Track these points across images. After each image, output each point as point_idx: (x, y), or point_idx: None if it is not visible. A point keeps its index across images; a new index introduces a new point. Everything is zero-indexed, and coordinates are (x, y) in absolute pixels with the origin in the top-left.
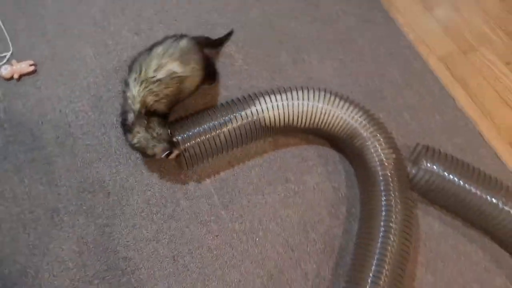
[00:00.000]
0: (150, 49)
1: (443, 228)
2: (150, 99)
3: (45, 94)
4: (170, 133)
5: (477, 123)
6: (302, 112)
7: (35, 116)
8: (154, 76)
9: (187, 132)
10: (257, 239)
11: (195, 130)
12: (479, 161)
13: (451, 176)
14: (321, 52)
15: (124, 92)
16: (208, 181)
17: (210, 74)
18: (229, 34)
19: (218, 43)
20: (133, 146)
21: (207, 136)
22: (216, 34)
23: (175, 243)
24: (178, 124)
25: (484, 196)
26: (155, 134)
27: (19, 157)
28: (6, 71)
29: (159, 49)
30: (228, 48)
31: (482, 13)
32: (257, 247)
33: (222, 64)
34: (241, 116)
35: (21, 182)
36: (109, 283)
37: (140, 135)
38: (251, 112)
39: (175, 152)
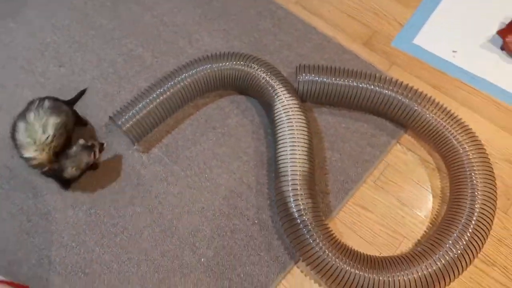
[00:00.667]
0: (18, 119)
1: (335, 118)
2: (54, 151)
3: (5, 135)
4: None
5: (336, 38)
6: (216, 75)
7: (5, 154)
8: (48, 136)
9: (124, 115)
10: (206, 175)
11: (131, 112)
12: (346, 64)
13: (324, 79)
14: (208, 28)
15: (31, 164)
16: (156, 149)
17: (80, 120)
18: (82, 92)
19: (72, 102)
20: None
21: (143, 113)
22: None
23: (147, 200)
24: (117, 111)
25: (355, 84)
26: (73, 154)
27: (3, 187)
28: None
29: (31, 115)
30: (137, 51)
31: None
32: (208, 181)
33: (136, 65)
34: (166, 90)
35: (13, 204)
36: (107, 246)
37: (72, 166)
38: (174, 85)
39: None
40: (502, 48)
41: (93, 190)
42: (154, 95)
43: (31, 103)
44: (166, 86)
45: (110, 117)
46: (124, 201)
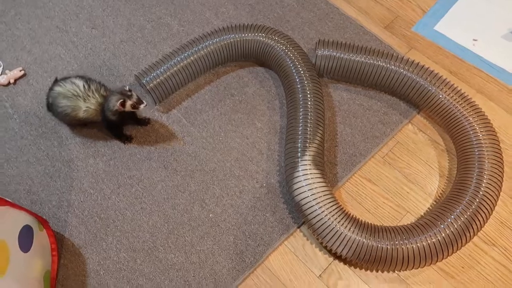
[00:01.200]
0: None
1: (350, 95)
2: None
3: (37, 87)
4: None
5: (358, 19)
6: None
7: (35, 104)
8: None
9: (149, 75)
10: (220, 138)
11: (156, 73)
12: (366, 44)
13: (342, 55)
14: (234, 2)
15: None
16: (175, 111)
17: None
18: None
19: None
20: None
21: (166, 74)
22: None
23: (163, 156)
24: (143, 70)
25: (372, 62)
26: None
27: (32, 134)
28: (3, 79)
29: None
30: (165, 19)
31: None
32: (222, 143)
33: (163, 32)
34: (190, 55)
35: (39, 149)
36: (123, 195)
37: (106, 108)
38: (197, 51)
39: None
40: None
41: (112, 143)
42: (179, 59)
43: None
44: (190, 51)
45: (136, 75)
46: (142, 155)
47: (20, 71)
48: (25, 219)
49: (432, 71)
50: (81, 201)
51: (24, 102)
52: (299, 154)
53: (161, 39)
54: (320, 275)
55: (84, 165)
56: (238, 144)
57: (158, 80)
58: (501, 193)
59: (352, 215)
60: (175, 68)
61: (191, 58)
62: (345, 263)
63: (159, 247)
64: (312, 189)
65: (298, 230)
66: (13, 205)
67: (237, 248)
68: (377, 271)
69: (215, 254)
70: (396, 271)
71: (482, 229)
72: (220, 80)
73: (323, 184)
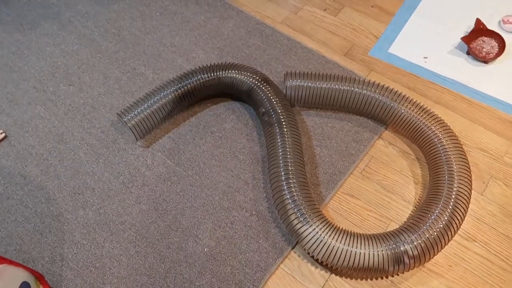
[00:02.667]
0: None
1: (322, 119)
2: None
3: (19, 148)
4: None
5: (319, 50)
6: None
7: (19, 164)
8: None
9: (131, 112)
10: (205, 174)
11: (138, 110)
12: (329, 71)
13: (310, 83)
14: (203, 47)
15: None
16: (159, 153)
17: None
18: None
19: None
20: None
21: (146, 113)
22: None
23: (152, 198)
24: (124, 109)
25: (339, 87)
26: None
27: (18, 193)
28: None
29: None
30: (140, 70)
31: None
32: (208, 178)
33: (139, 81)
34: (168, 94)
35: (27, 208)
36: (116, 241)
37: None
38: (176, 90)
39: None
40: (468, 53)
41: (101, 191)
42: (159, 97)
43: None
44: (169, 89)
45: (117, 114)
46: (131, 200)
47: (1, 133)
48: (23, 275)
49: (392, 89)
50: (75, 253)
51: (7, 163)
52: (283, 177)
53: (137, 88)
54: None
55: (74, 217)
56: (224, 177)
57: (139, 117)
58: (472, 192)
59: (342, 228)
60: (155, 106)
61: (171, 96)
62: (340, 276)
63: None
64: (301, 209)
65: (292, 251)
66: (11, 262)
67: (235, 278)
68: (371, 279)
69: (214, 287)
70: (388, 277)
71: (461, 227)
72: (198, 119)
73: (310, 202)
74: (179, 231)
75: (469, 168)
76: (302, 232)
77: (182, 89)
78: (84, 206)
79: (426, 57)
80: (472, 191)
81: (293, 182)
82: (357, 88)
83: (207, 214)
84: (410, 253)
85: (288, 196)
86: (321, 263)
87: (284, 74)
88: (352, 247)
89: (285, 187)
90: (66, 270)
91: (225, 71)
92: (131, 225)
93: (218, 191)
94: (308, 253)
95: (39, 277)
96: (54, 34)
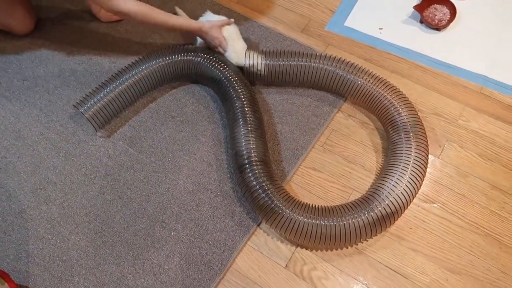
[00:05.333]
0: None
1: (282, 96)
2: None
3: None
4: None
5: (276, 28)
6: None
7: None
8: None
9: (88, 103)
10: (168, 159)
11: (94, 100)
12: (287, 48)
13: (268, 61)
14: (162, 32)
15: None
16: (120, 142)
17: None
18: None
19: None
20: None
21: (103, 101)
22: None
23: (116, 188)
24: (80, 100)
25: (297, 63)
26: None
27: None
28: None
29: None
30: (95, 59)
31: None
32: (171, 163)
33: (95, 70)
34: (125, 81)
35: None
36: (82, 233)
37: None
38: (132, 76)
39: None
40: (421, 21)
41: (63, 185)
42: (114, 85)
43: None
44: (125, 77)
45: (74, 105)
46: (94, 191)
47: None
48: None
49: (349, 61)
50: (40, 249)
51: None
52: (245, 157)
53: (94, 78)
54: (286, 265)
55: (38, 213)
56: (187, 161)
57: (95, 107)
58: (429, 156)
59: (305, 203)
60: (111, 95)
61: (127, 83)
62: (306, 249)
63: (128, 275)
64: (263, 186)
65: (258, 228)
66: None
67: (204, 258)
68: (336, 249)
69: (183, 269)
70: (353, 245)
71: (420, 190)
72: (158, 104)
73: (272, 179)
74: (145, 217)
75: (425, 133)
76: (265, 209)
77: (138, 75)
78: (47, 201)
79: (381, 28)
80: (430, 155)
81: (255, 161)
82: (314, 62)
83: (172, 199)
84: (371, 219)
85: (251, 176)
86: (285, 238)
87: (244, 53)
88: (317, 220)
89: (248, 166)
90: (33, 266)
91: (181, 54)
92: (96, 215)
93: (182, 175)
94: (273, 229)
95: (3, 275)
96: None
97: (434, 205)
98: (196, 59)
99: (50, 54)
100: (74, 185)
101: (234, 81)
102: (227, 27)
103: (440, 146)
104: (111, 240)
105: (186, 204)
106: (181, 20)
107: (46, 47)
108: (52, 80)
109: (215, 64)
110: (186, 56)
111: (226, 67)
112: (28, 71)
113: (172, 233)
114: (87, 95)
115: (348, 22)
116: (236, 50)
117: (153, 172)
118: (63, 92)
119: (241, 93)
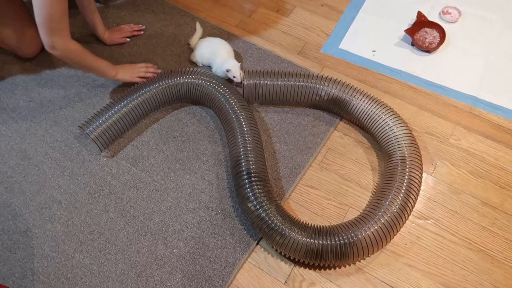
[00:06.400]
0: None
1: (279, 116)
2: None
3: None
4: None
5: (274, 51)
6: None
7: None
8: None
9: (93, 124)
10: (170, 178)
11: (99, 121)
12: (285, 69)
13: (266, 81)
14: (163, 55)
15: None
16: (124, 162)
17: None
18: None
19: None
20: None
21: (108, 122)
22: None
23: (119, 206)
24: (85, 121)
25: (294, 83)
26: None
27: None
28: None
29: None
30: (99, 81)
31: None
32: (173, 182)
33: (100, 92)
34: (129, 103)
35: None
36: (86, 251)
37: None
38: (136, 98)
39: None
40: (412, 44)
41: (68, 203)
42: (119, 107)
43: None
44: (128, 99)
45: (79, 126)
46: (98, 209)
47: None
48: None
49: (345, 82)
50: (45, 267)
51: None
52: (245, 176)
53: (99, 100)
54: (285, 282)
55: (42, 231)
56: (188, 180)
57: (101, 128)
58: (423, 173)
59: (302, 221)
60: (116, 116)
61: (130, 105)
62: (305, 267)
63: None
64: (263, 205)
65: (258, 245)
66: None
67: (205, 275)
68: (334, 268)
69: (185, 286)
70: (351, 264)
71: (415, 207)
72: (160, 125)
73: (271, 198)
74: (148, 235)
75: (419, 152)
76: (265, 228)
77: (142, 97)
78: (52, 219)
79: (374, 51)
80: (423, 173)
81: (255, 180)
82: (311, 83)
83: (174, 217)
84: (368, 240)
85: (250, 195)
86: (285, 255)
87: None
88: (309, 239)
89: (247, 185)
90: (38, 284)
91: (182, 77)
92: (99, 233)
93: (183, 194)
94: (272, 247)
95: None
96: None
97: (428, 221)
98: (196, 81)
99: (55, 76)
100: (78, 203)
101: (233, 102)
102: (210, 42)
103: (432, 164)
104: (114, 258)
105: (187, 222)
106: (104, 67)
107: (51, 69)
108: (58, 101)
109: (214, 86)
110: (187, 79)
111: (225, 89)
112: (34, 92)
113: (174, 251)
114: (92, 117)
115: (343, 45)
116: (217, 62)
117: (155, 190)
118: (68, 113)
119: (239, 114)
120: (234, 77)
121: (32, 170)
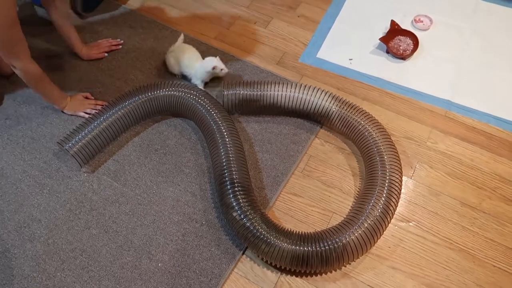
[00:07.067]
0: None
1: (261, 125)
2: None
3: None
4: None
5: (253, 61)
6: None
7: None
8: None
9: (72, 140)
10: (153, 191)
11: (78, 136)
12: (264, 79)
13: (245, 91)
14: (143, 68)
15: None
16: (105, 177)
17: None
18: None
19: None
20: None
21: (88, 137)
22: None
23: (101, 222)
24: (64, 137)
25: (273, 92)
26: None
27: None
28: None
29: None
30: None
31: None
32: (156, 195)
33: None
34: (109, 117)
35: None
36: (68, 269)
37: None
38: (115, 112)
39: None
40: (387, 52)
41: (48, 221)
42: (98, 122)
43: None
44: (108, 113)
45: (58, 143)
46: (80, 226)
47: None
48: None
49: (323, 90)
50: (25, 287)
51: None
52: (229, 186)
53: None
54: None
55: (22, 251)
56: (171, 192)
57: (80, 143)
58: (403, 177)
59: (287, 229)
60: (95, 131)
61: (110, 119)
62: (291, 275)
63: None
64: (247, 214)
65: (243, 255)
66: None
67: None
68: (321, 274)
69: None
70: (337, 269)
71: (397, 210)
72: (141, 138)
73: (255, 207)
74: (132, 250)
75: (398, 156)
76: (250, 237)
77: (121, 111)
78: (32, 238)
79: (351, 59)
80: (403, 176)
81: (239, 190)
82: (289, 91)
83: (158, 230)
84: (353, 244)
85: (235, 205)
86: (271, 264)
87: (222, 85)
88: (294, 246)
89: (231, 195)
90: None
91: (162, 90)
92: (81, 251)
93: (167, 206)
94: (258, 256)
95: None
96: None
97: (410, 223)
98: (176, 93)
99: (32, 92)
100: (59, 221)
101: (214, 113)
102: (180, 49)
103: (412, 168)
104: (97, 275)
105: (172, 234)
106: (57, 96)
107: (28, 87)
108: (35, 118)
109: (195, 97)
110: (167, 91)
111: (205, 100)
112: (10, 110)
113: (159, 264)
114: (71, 132)
115: (320, 54)
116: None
117: (138, 204)
118: (46, 130)
119: (221, 125)
120: (222, 69)
121: (9, 189)
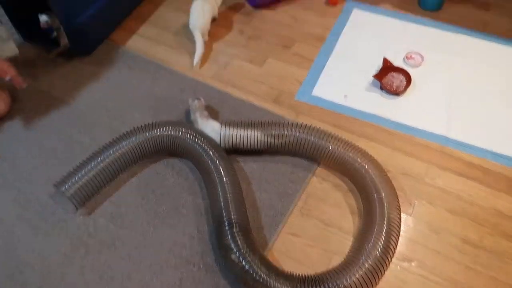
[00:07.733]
0: None
1: (258, 164)
2: None
3: None
4: None
5: (249, 99)
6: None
7: None
8: None
9: (69, 182)
10: (150, 234)
11: (75, 178)
12: (260, 118)
13: (242, 131)
14: (140, 109)
15: None
16: (101, 219)
17: None
18: None
19: None
20: None
21: (84, 179)
22: None
23: (97, 268)
24: (61, 179)
25: (270, 132)
26: None
27: None
28: None
29: None
30: (76, 137)
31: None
32: (152, 238)
33: (76, 148)
34: (105, 158)
35: None
36: None
37: None
38: (112, 153)
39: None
40: (381, 88)
41: (42, 267)
42: (95, 163)
43: None
44: (104, 154)
45: (54, 185)
46: (74, 272)
47: None
48: None
49: (319, 128)
50: None
51: None
52: (227, 227)
53: (75, 156)
54: None
55: None
56: (168, 234)
57: (77, 185)
58: (402, 214)
59: (287, 272)
60: (92, 172)
61: (107, 160)
62: None
63: None
64: (246, 256)
65: None
66: None
67: None
68: None
69: None
70: None
71: (397, 249)
72: (138, 179)
73: (254, 248)
74: None
75: (396, 193)
76: (249, 280)
77: (118, 152)
78: (24, 286)
79: (346, 95)
80: (402, 213)
81: (237, 232)
82: (286, 130)
83: (154, 275)
84: (354, 286)
85: (233, 247)
86: None
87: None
88: None
89: (230, 237)
90: None
91: (158, 130)
92: None
93: (164, 249)
94: None
95: None
96: None
97: (412, 263)
98: (174, 133)
99: (29, 134)
100: (52, 267)
101: (211, 152)
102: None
103: (411, 204)
104: None
105: (169, 280)
106: None
107: (25, 128)
108: (32, 160)
109: (192, 137)
110: (165, 131)
111: (203, 140)
112: (6, 151)
113: None
114: (68, 174)
115: (316, 92)
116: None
117: (134, 248)
118: (43, 171)
119: (218, 164)
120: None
121: (2, 234)
